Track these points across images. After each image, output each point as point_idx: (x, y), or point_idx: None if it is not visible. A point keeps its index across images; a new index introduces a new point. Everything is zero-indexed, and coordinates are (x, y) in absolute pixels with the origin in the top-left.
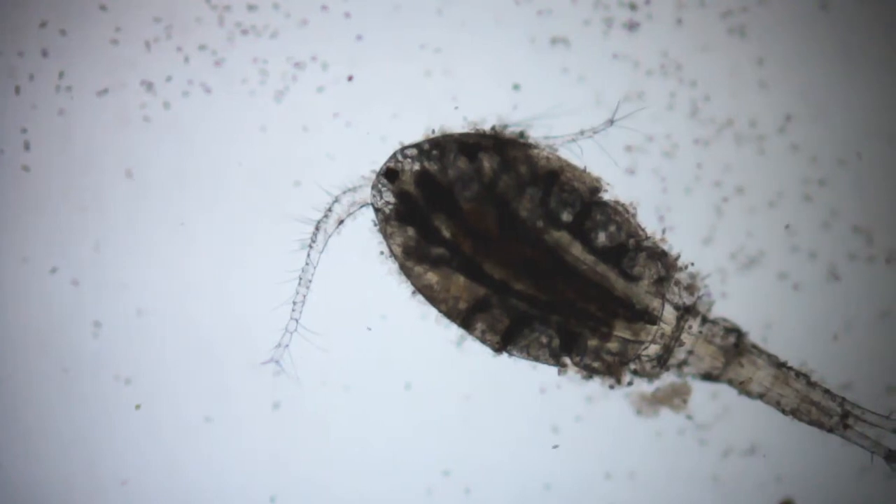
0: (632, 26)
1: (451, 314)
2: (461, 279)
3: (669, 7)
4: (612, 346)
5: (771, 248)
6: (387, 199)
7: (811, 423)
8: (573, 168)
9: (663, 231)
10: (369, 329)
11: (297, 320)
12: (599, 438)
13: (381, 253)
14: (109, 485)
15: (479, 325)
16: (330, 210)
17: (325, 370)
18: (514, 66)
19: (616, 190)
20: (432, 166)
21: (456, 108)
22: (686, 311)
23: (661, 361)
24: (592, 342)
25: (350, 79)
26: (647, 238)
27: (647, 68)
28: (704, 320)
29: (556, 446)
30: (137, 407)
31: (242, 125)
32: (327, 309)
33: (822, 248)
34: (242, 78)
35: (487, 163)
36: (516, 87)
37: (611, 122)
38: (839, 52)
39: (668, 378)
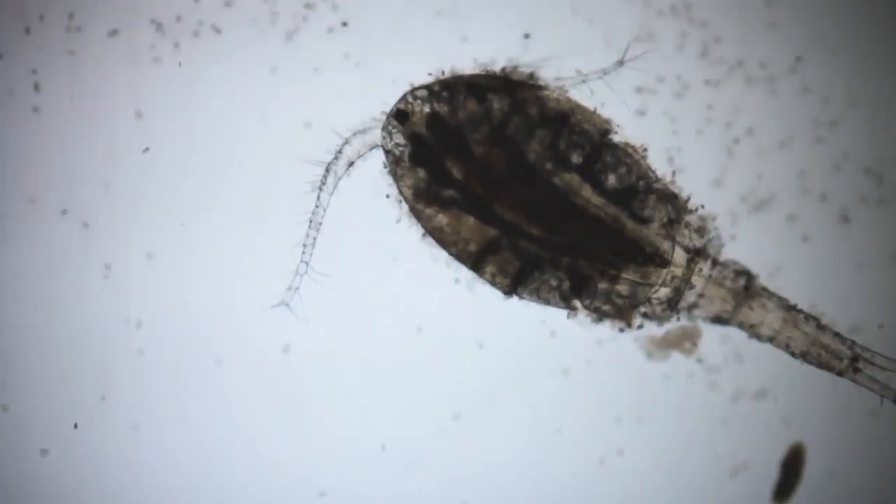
0: None
1: (462, 256)
2: (471, 221)
3: None
4: (623, 288)
5: (781, 191)
6: (397, 140)
7: (821, 366)
8: (583, 110)
9: (673, 173)
10: None
11: (307, 262)
12: (609, 381)
13: (391, 195)
14: (120, 428)
15: (490, 268)
16: (340, 152)
17: (336, 312)
18: (525, 7)
19: (626, 132)
20: (442, 108)
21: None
22: (696, 254)
23: (672, 304)
24: (602, 285)
25: (345, 24)
26: (658, 180)
27: (658, 9)
28: (714, 263)
29: None
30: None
31: (252, 66)
32: (338, 251)
33: (833, 190)
34: (253, 18)
35: (497, 104)
36: (527, 36)
37: (621, 63)
38: None
39: (678, 321)
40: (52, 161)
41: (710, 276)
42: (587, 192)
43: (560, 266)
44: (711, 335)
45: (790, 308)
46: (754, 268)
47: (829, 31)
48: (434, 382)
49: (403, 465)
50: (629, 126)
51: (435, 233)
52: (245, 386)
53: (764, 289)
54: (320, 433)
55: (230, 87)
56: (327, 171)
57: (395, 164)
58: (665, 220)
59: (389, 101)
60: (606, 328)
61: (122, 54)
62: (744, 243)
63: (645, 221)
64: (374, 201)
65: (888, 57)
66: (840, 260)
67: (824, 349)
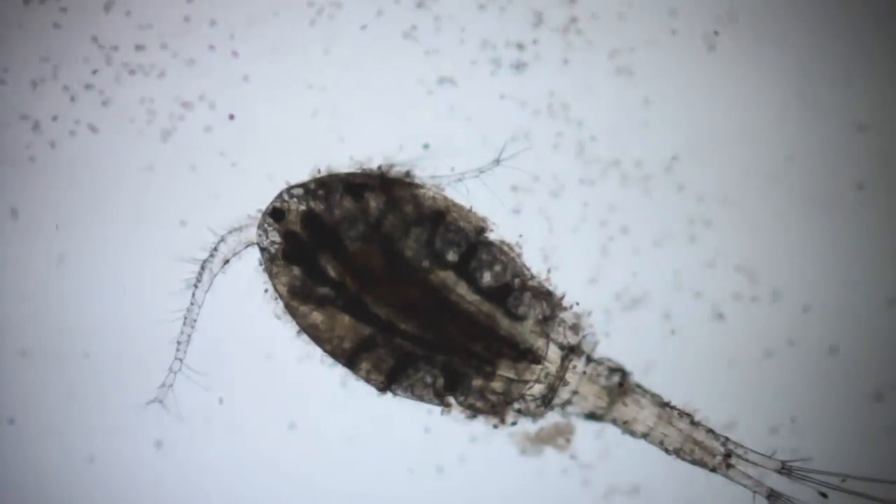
0: (519, 66)
1: (336, 354)
2: (346, 319)
3: (556, 47)
4: (497, 385)
5: (656, 289)
6: (272, 238)
7: (694, 462)
8: (459, 208)
9: (548, 271)
10: None
11: (181, 360)
12: (483, 478)
13: (267, 292)
14: None
15: (364, 365)
16: (216, 250)
17: (209, 409)
18: (401, 106)
19: (502, 230)
20: (318, 206)
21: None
22: (570, 351)
23: (546, 401)
24: (477, 382)
25: (231, 117)
26: (533, 278)
27: (534, 108)
28: (589, 360)
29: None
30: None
31: (129, 165)
32: (212, 348)
33: (707, 288)
34: (130, 117)
35: (373, 202)
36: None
37: (497, 161)
38: (725, 93)
39: (552, 417)
40: None
41: (585, 372)
42: (462, 289)
43: (435, 363)
44: (585, 431)
45: (664, 405)
46: (628, 365)
47: (703, 131)
48: (307, 478)
49: None
50: (505, 224)
51: (310, 330)
52: (117, 482)
53: (638, 385)
54: None
55: (106, 185)
56: (202, 268)
57: (270, 262)
58: (540, 317)
59: (265, 199)
60: (481, 425)
61: None
62: (618, 340)
63: (520, 318)
64: (249, 299)
65: (762, 154)
66: (713, 357)
67: (698, 445)
